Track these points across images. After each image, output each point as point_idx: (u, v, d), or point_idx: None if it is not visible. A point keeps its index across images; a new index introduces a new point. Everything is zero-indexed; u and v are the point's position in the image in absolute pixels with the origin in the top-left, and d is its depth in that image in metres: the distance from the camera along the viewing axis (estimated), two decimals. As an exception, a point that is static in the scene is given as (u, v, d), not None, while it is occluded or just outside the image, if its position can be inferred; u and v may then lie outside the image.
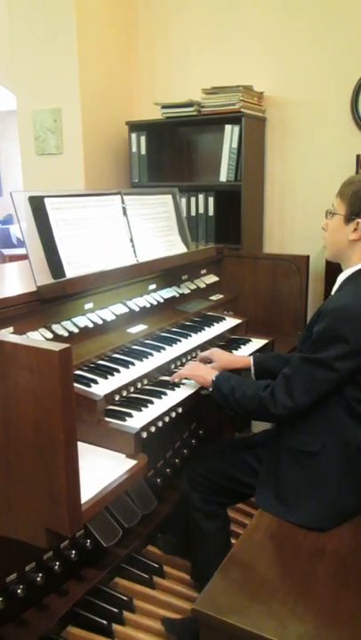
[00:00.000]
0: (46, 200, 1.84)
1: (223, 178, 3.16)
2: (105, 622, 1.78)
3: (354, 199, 1.58)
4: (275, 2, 3.16)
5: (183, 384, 1.86)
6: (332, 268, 1.73)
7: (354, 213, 1.58)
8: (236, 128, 3.06)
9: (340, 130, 3.12)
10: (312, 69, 3.13)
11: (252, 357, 1.99)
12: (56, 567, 1.74)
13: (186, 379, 1.86)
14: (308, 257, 2.70)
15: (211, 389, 1.76)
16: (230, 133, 3.08)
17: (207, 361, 2.01)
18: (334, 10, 3.01)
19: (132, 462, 1.49)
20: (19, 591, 1.64)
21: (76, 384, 1.65)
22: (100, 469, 1.45)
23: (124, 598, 1.89)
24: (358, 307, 1.47)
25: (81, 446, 1.53)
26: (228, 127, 3.08)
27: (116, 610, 1.83)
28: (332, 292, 1.69)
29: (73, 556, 1.80)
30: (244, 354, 2.26)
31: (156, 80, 3.61)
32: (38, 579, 1.69)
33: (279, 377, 1.60)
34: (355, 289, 1.55)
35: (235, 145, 3.08)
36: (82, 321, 1.89)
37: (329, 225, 1.67)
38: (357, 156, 2.95)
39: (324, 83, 3.11)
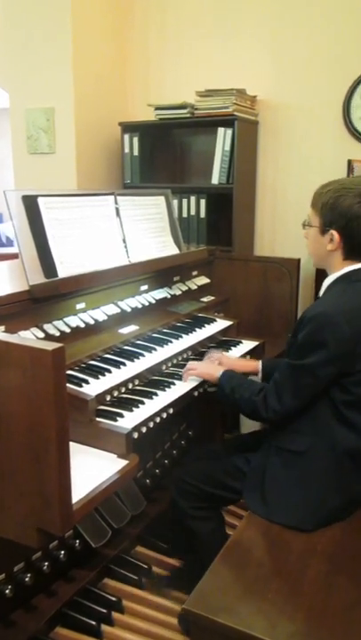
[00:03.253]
0: (40, 199, 1.84)
1: (215, 180, 3.16)
2: (94, 623, 1.78)
3: (325, 211, 1.60)
4: (269, 6, 3.17)
5: (174, 384, 1.87)
6: (323, 271, 1.75)
7: (327, 225, 1.60)
8: (229, 131, 3.07)
9: (331, 135, 3.14)
10: (305, 74, 3.15)
11: (260, 362, 2.02)
12: (45, 567, 1.74)
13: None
14: (298, 260, 2.72)
15: (216, 388, 1.80)
16: (223, 136, 3.09)
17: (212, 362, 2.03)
18: (328, 15, 3.03)
19: (124, 462, 1.49)
20: (7, 591, 1.64)
21: (67, 384, 1.64)
22: (91, 469, 1.45)
23: (113, 599, 1.89)
24: (336, 312, 1.50)
25: (72, 446, 1.53)
26: (220, 130, 3.09)
27: (104, 610, 1.83)
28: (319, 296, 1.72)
29: (62, 556, 1.80)
30: (236, 355, 2.27)
31: (150, 81, 3.61)
32: (27, 579, 1.68)
33: (270, 382, 1.64)
34: (337, 295, 1.59)
35: (227, 148, 3.09)
36: (74, 321, 1.89)
37: (308, 235, 1.71)
38: (349, 161, 2.97)
39: (316, 88, 3.13)
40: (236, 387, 1.72)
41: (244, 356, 2.32)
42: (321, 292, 1.70)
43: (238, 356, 2.28)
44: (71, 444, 1.51)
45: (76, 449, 1.54)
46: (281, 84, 3.22)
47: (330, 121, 3.13)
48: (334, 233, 1.58)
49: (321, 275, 1.72)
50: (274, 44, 3.20)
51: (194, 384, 1.90)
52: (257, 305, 2.80)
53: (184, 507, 1.83)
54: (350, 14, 2.97)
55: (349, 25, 2.99)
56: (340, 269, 1.63)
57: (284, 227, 3.35)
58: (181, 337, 2.21)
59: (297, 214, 3.22)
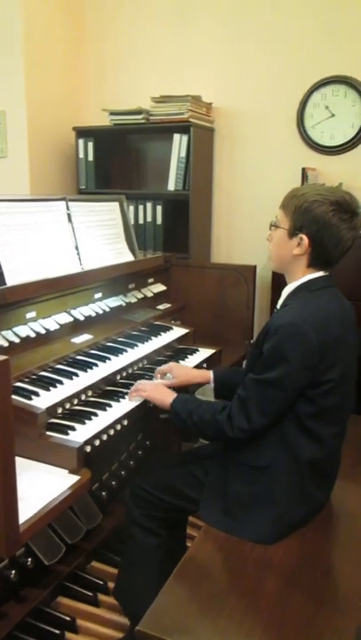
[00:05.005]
0: (-14, 204, 1.78)
1: (171, 187, 3.15)
2: (46, 645, 1.71)
3: (297, 214, 1.54)
4: (225, 14, 3.19)
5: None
6: (279, 279, 1.72)
7: (297, 228, 1.55)
8: (185, 137, 3.06)
9: (286, 143, 3.17)
10: (260, 83, 3.17)
11: (212, 372, 1.96)
12: (-6, 589, 1.66)
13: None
14: (255, 267, 2.72)
15: (169, 415, 1.73)
16: (179, 142, 3.08)
17: (165, 373, 1.97)
18: (282, 25, 3.06)
19: (75, 478, 1.44)
20: None
21: (15, 396, 1.58)
22: (40, 486, 1.39)
23: (67, 619, 1.82)
24: (303, 322, 1.46)
25: (20, 462, 1.48)
26: (176, 136, 3.08)
27: (57, 632, 1.76)
28: (278, 306, 1.66)
29: (12, 576, 1.72)
30: (192, 363, 2.24)
31: (105, 86, 3.57)
32: (-26, 602, 1.61)
33: (234, 399, 1.57)
34: (301, 304, 1.53)
35: (183, 154, 3.08)
36: (23, 330, 1.82)
37: (273, 237, 1.64)
38: (303, 169, 2.99)
39: (271, 96, 3.16)
40: (193, 410, 1.64)
41: (200, 363, 2.30)
42: (280, 301, 1.66)
43: (195, 364, 2.25)
44: (20, 459, 1.46)
45: (24, 465, 1.48)
46: (236, 91, 3.24)
47: (284, 129, 3.16)
48: (304, 237, 1.53)
49: (277, 281, 1.70)
50: (229, 51, 3.21)
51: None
52: (213, 312, 2.78)
53: (136, 514, 1.77)
54: (305, 23, 3.01)
55: (304, 34, 3.03)
56: (301, 277, 1.59)
57: (241, 233, 3.36)
58: (137, 346, 2.16)
59: (253, 221, 3.25)
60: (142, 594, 1.64)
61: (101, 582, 2.00)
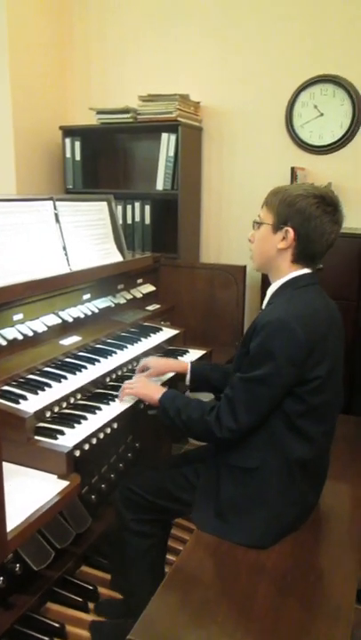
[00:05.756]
0: (-28, 205, 1.74)
1: (160, 186, 3.12)
2: (35, 653, 1.68)
3: (281, 207, 1.55)
4: (213, 13, 3.16)
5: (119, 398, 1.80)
6: (269, 278, 1.71)
7: (282, 222, 1.55)
8: (173, 137, 3.03)
9: (275, 142, 3.15)
10: (248, 82, 3.16)
11: (189, 363, 1.96)
12: (-19, 596, 1.63)
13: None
14: (245, 267, 2.70)
15: (157, 410, 1.71)
16: (167, 142, 3.05)
17: (144, 369, 1.96)
18: (271, 23, 3.05)
19: (65, 483, 1.41)
20: None
21: (2, 400, 1.56)
22: (28, 492, 1.36)
23: (56, 625, 1.79)
24: (290, 319, 1.44)
25: (8, 468, 1.45)
26: (164, 135, 3.05)
27: (46, 639, 1.73)
28: (263, 306, 1.66)
29: (1, 582, 1.69)
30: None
31: (92, 84, 3.54)
32: None
33: (223, 399, 1.55)
34: (286, 301, 1.52)
35: (171, 153, 3.06)
36: (10, 333, 1.79)
37: (256, 236, 1.65)
38: (292, 169, 2.98)
39: (260, 95, 3.14)
40: (181, 407, 1.62)
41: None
42: (266, 300, 1.65)
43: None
44: (7, 465, 1.43)
45: (12, 471, 1.45)
46: (225, 90, 3.22)
47: (273, 128, 3.15)
48: (290, 229, 1.53)
49: (267, 282, 1.68)
50: (218, 50, 3.19)
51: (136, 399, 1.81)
52: (203, 313, 2.76)
53: (126, 517, 1.75)
54: (294, 22, 3.00)
55: (293, 33, 3.01)
56: (286, 274, 1.58)
57: (230, 233, 3.35)
58: (126, 347, 2.14)
59: (242, 221, 3.23)
60: (143, 593, 1.62)
61: (91, 587, 1.98)
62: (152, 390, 1.73)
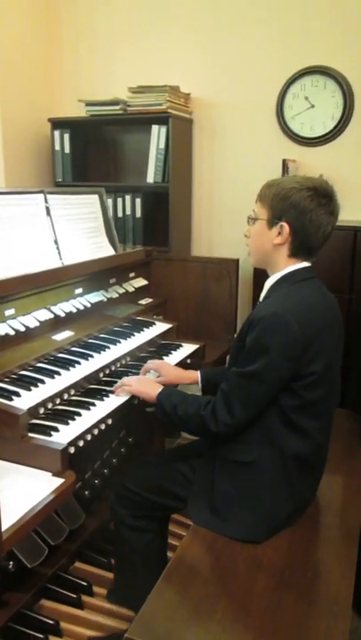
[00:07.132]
0: None
1: (150, 179, 3.09)
2: (29, 651, 1.67)
3: (275, 202, 1.53)
4: (203, 4, 3.13)
5: (113, 393, 1.78)
6: (261, 272, 1.69)
7: (276, 217, 1.53)
8: (163, 129, 3.00)
9: (266, 134, 3.13)
10: (239, 73, 3.13)
11: (199, 372, 1.93)
12: (-25, 595, 1.61)
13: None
14: (237, 260, 2.69)
15: (154, 407, 1.69)
16: (157, 134, 3.02)
17: (149, 370, 1.93)
18: (261, 15, 3.02)
19: (59, 481, 1.40)
20: None
21: (-5, 397, 1.53)
22: (23, 491, 1.34)
23: (50, 622, 1.78)
24: (286, 313, 1.43)
25: (1, 465, 1.43)
26: (155, 127, 3.02)
27: (41, 636, 1.72)
28: (260, 299, 1.64)
29: (-6, 581, 1.68)
30: (176, 360, 2.20)
31: (81, 76, 3.49)
32: None
33: (218, 394, 1.54)
34: (283, 295, 1.51)
35: (162, 146, 3.03)
36: (2, 328, 1.76)
37: (251, 231, 1.63)
38: (283, 161, 2.96)
39: (250, 87, 3.12)
40: (178, 403, 1.61)
41: (184, 359, 2.26)
42: (263, 294, 1.64)
43: (180, 359, 2.22)
44: (0, 462, 1.41)
45: (6, 468, 1.43)
46: (215, 82, 3.19)
47: (264, 120, 3.12)
48: (285, 224, 1.52)
49: (260, 275, 1.67)
50: (208, 41, 3.16)
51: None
52: (196, 306, 2.75)
53: (122, 515, 1.75)
54: (284, 13, 2.97)
55: (283, 24, 2.99)
56: (283, 268, 1.57)
57: (221, 226, 3.33)
58: (119, 342, 2.12)
59: (234, 213, 3.21)
60: (144, 593, 1.61)
61: (85, 583, 1.97)
62: (150, 387, 1.72)
